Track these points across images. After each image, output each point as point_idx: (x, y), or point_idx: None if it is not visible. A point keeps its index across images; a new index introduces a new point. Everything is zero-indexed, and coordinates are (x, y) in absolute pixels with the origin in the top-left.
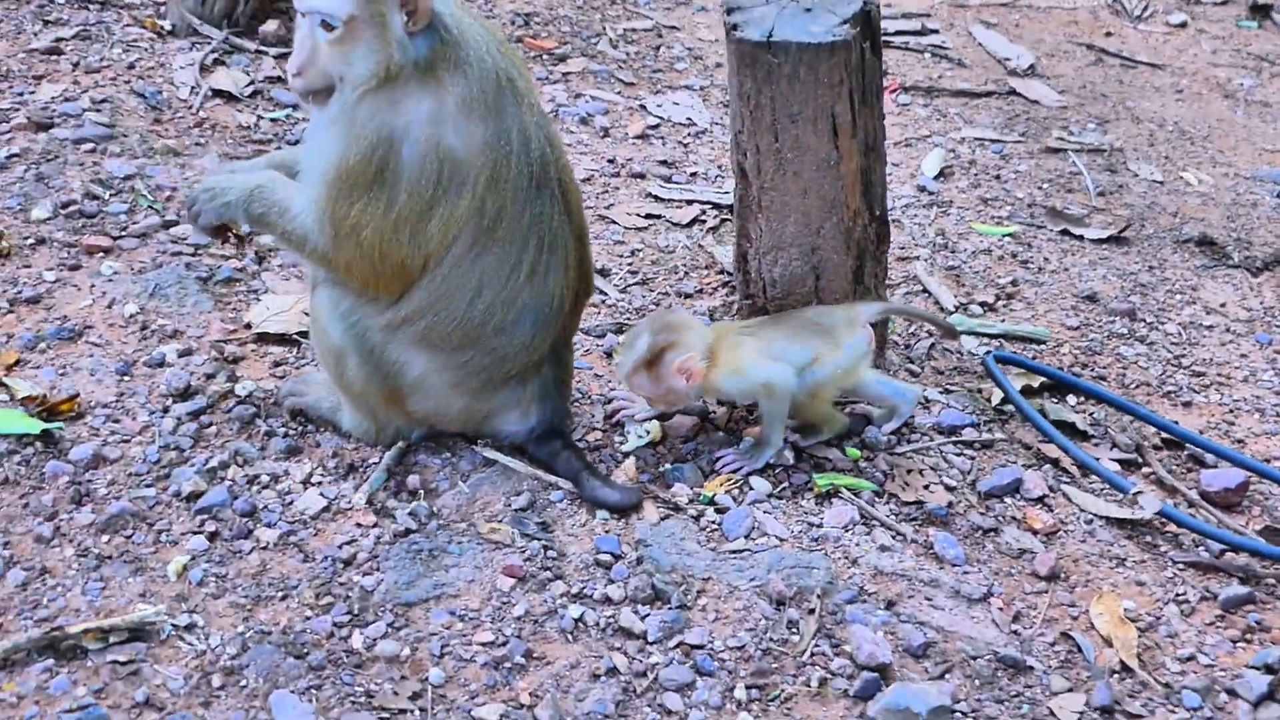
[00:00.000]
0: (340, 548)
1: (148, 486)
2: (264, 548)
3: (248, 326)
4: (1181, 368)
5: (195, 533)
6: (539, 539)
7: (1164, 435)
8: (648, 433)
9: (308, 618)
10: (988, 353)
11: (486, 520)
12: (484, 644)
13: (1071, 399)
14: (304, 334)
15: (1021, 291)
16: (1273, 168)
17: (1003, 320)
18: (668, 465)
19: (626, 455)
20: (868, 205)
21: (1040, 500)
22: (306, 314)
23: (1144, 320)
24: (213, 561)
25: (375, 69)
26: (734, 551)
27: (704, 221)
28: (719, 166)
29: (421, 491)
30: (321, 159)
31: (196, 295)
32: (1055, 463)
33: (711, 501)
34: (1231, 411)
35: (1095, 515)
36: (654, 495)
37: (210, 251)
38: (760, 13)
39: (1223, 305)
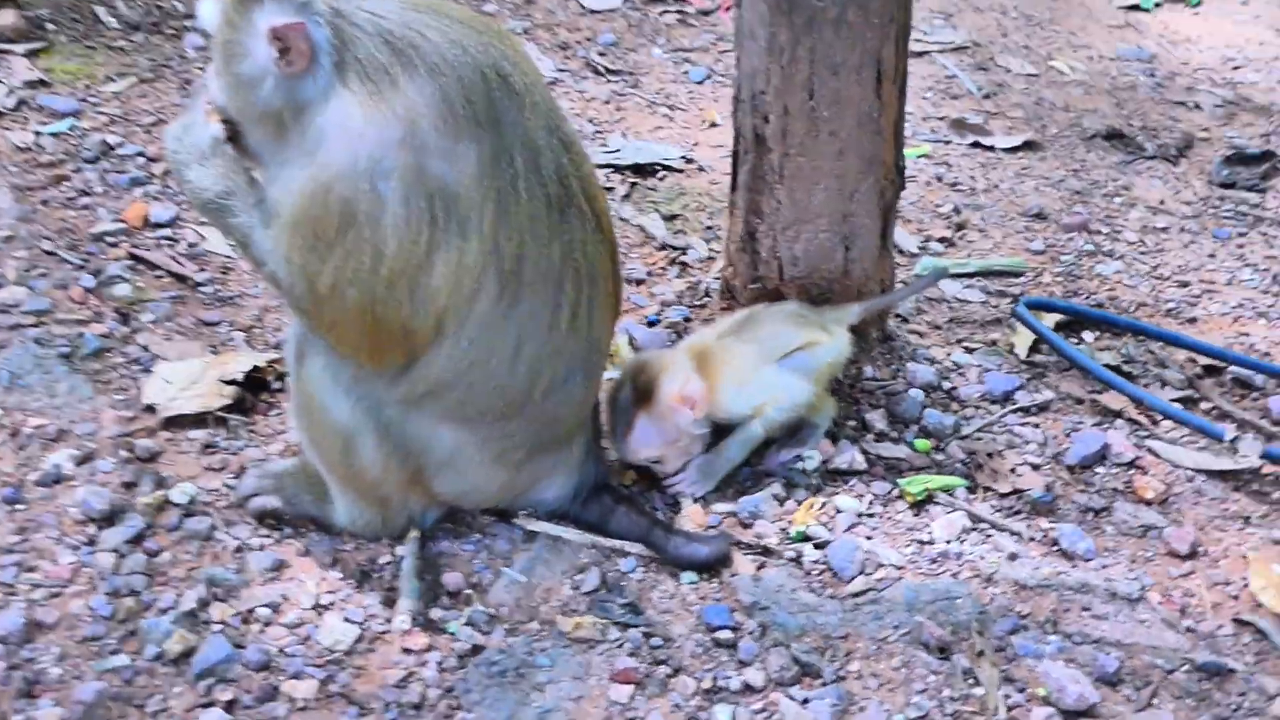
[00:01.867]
0: (400, 688)
1: (114, 654)
2: (303, 709)
3: (150, 410)
4: (1164, 279)
5: (205, 705)
6: (634, 624)
7: (1202, 363)
8: None
9: None
10: (1015, 301)
11: (559, 612)
12: None
13: (1088, 335)
14: (233, 408)
15: (969, 219)
16: (1127, 44)
17: (968, 256)
18: (732, 501)
19: (675, 498)
20: (897, 158)
21: (1133, 464)
22: (226, 381)
23: (1100, 231)
24: None
25: (261, 107)
26: (858, 595)
27: (611, 189)
28: (590, 121)
29: (467, 591)
30: (281, 192)
31: (67, 379)
32: (1118, 414)
33: (805, 537)
34: (1236, 320)
35: (1195, 470)
36: (735, 540)
37: (55, 317)
38: None
39: (1161, 202)
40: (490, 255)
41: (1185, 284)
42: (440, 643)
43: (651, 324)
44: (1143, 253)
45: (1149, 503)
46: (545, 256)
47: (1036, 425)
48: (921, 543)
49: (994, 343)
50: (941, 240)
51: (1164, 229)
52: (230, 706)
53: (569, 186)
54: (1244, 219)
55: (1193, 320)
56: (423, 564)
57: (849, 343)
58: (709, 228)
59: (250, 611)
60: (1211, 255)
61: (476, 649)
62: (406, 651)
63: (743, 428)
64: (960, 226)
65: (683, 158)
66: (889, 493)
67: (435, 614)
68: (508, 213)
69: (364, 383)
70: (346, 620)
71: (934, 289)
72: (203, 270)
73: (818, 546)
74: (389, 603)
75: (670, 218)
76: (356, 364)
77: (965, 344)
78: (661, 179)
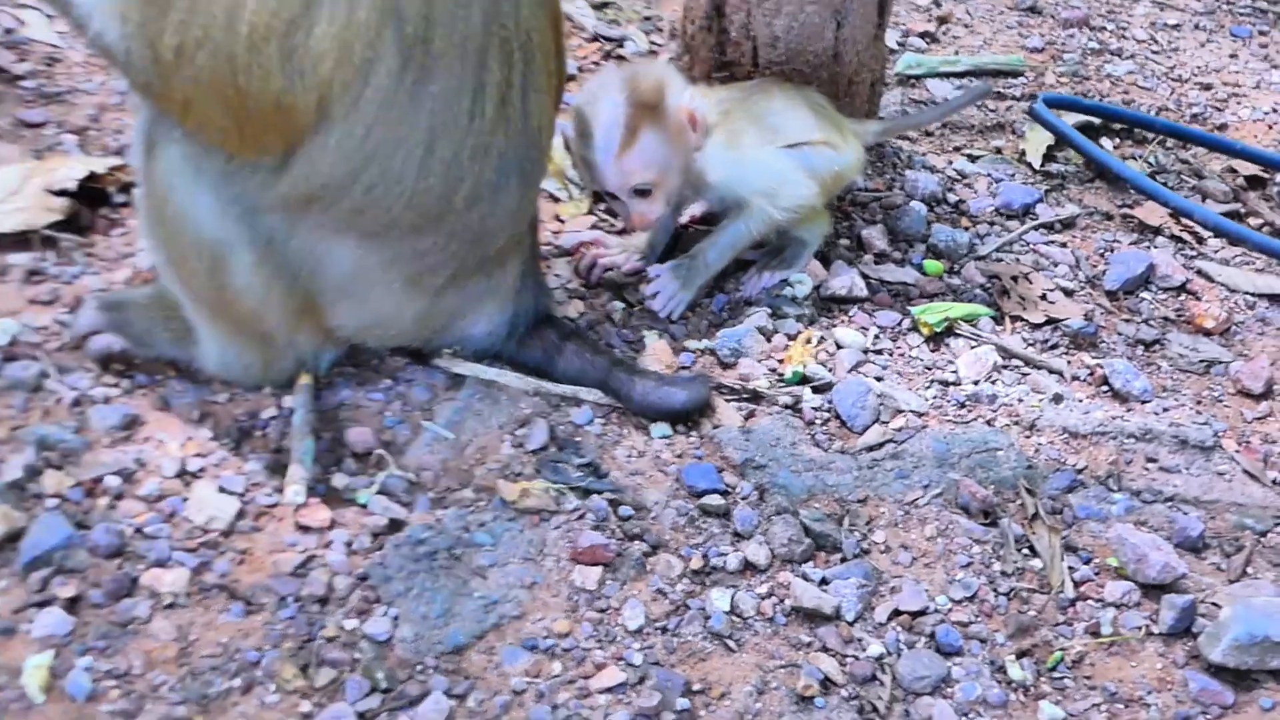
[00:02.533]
0: (298, 576)
1: None
2: (169, 605)
3: None
4: (1182, 81)
5: (40, 604)
6: (596, 489)
7: (1246, 172)
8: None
9: (308, 715)
10: (1033, 98)
11: (500, 476)
12: (609, 689)
13: (1106, 143)
14: (64, 225)
15: (952, 12)
16: None
17: (955, 53)
18: (707, 337)
19: (636, 330)
20: None
21: (1183, 289)
22: (55, 192)
23: (1104, 28)
24: (95, 651)
25: None
26: (874, 449)
27: None
28: None
29: (379, 452)
30: None
31: None
32: (1157, 231)
33: (802, 378)
34: (1271, 127)
35: (1256, 295)
36: (716, 382)
37: None
38: None
39: None
40: (388, 13)
41: (1208, 86)
42: (347, 518)
43: None
44: (1155, 52)
45: (1208, 333)
46: (462, 19)
47: (1064, 244)
48: (945, 383)
49: (999, 150)
50: (923, 35)
51: (1175, 26)
52: (74, 605)
53: None
54: (1264, 16)
55: (1222, 127)
56: (318, 419)
57: (863, 161)
58: (647, 18)
59: (96, 482)
60: (1233, 55)
61: (395, 525)
62: (303, 529)
63: (728, 221)
64: (943, 21)
65: None
66: (898, 324)
67: (338, 481)
68: None
69: (235, 180)
70: (222, 491)
71: (919, 89)
72: (22, 61)
73: (818, 390)
74: (277, 468)
75: (601, 5)
76: (224, 154)
77: (965, 152)
78: None
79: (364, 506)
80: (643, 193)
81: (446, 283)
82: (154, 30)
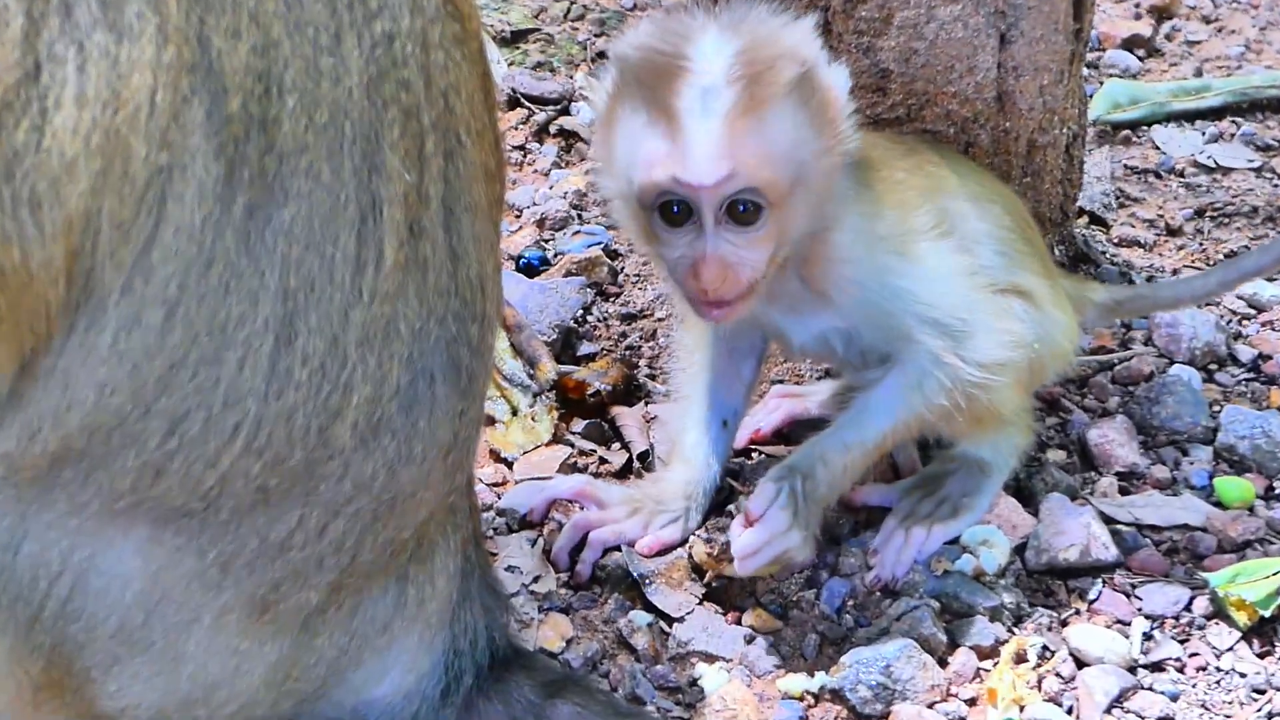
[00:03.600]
0: None
1: None
2: None
3: None
4: None
5: None
6: None
7: None
8: None
9: None
10: None
11: None
12: None
13: None
14: None
15: None
16: None
17: (1198, 70)
18: (822, 658)
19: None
20: None
21: None
22: None
23: None
24: None
25: None
26: None
27: None
28: None
29: None
30: None
31: None
32: None
33: None
34: None
35: None
36: None
37: None
38: None
39: None
40: (192, 73)
41: None
42: None
43: (533, 266)
44: None
45: None
46: (330, 77)
47: None
48: None
49: None
50: (1130, 45)
51: None
52: None
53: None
54: None
55: None
56: None
57: (1078, 338)
58: (602, 55)
59: None
60: None
61: None
62: None
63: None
64: (1163, 12)
65: None
66: (1187, 607)
67: None
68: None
69: None
70: None
71: (1140, 145)
72: None
73: None
74: None
75: (514, 41)
76: None
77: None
78: None
79: None
80: (747, 215)
81: (322, 605)
82: None
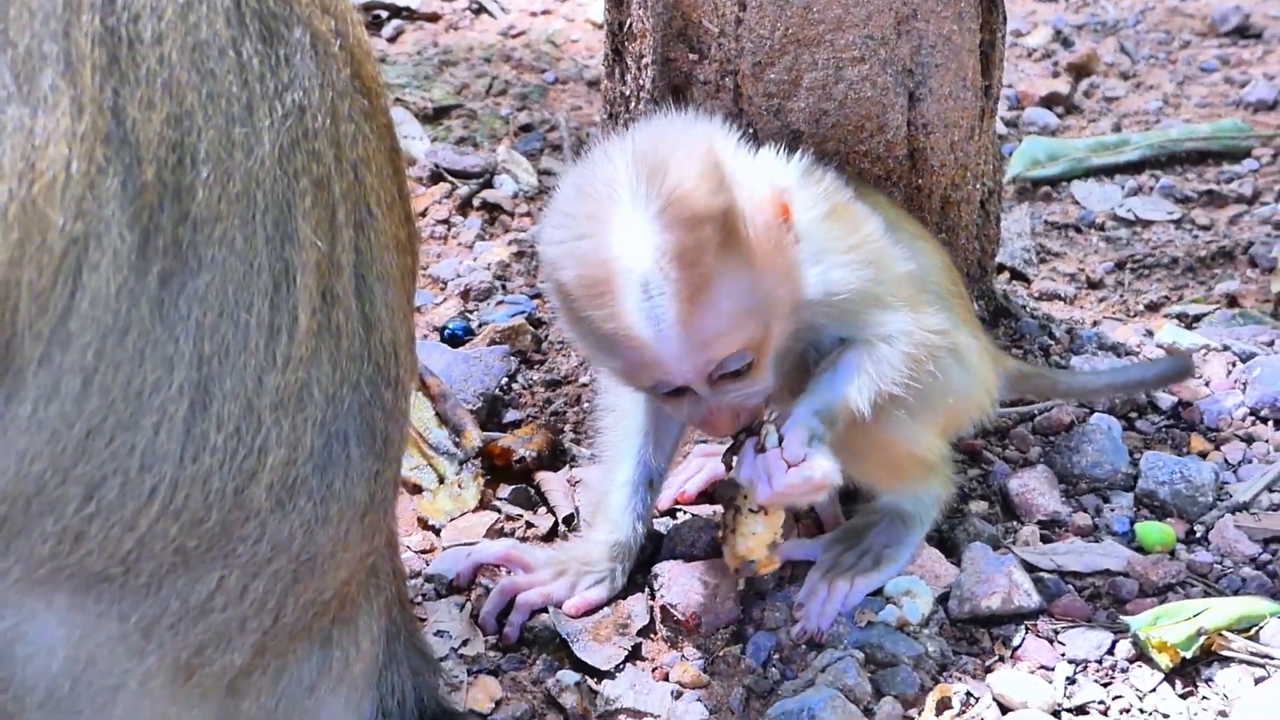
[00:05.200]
0: None
1: None
2: None
3: None
4: None
5: None
6: None
7: None
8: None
9: None
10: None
11: None
12: None
13: None
14: None
15: (1096, 53)
16: None
17: (1117, 125)
18: (749, 713)
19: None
20: None
21: None
22: None
23: None
24: None
25: None
26: None
27: None
28: None
29: None
30: None
31: None
32: None
33: None
34: None
35: None
36: None
37: None
38: None
39: None
40: (104, 144)
41: None
42: None
43: (457, 336)
44: None
45: None
46: (244, 148)
47: None
48: None
49: (1233, 300)
50: (1049, 102)
51: None
52: None
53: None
54: None
55: None
56: None
57: (997, 390)
58: (526, 128)
59: None
60: None
61: None
62: None
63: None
64: (1082, 70)
65: None
66: (1109, 650)
67: None
68: (139, 43)
69: None
70: None
71: (1060, 201)
72: None
73: None
74: None
75: (436, 116)
76: None
77: (1171, 309)
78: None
79: None
80: (739, 369)
81: (247, 667)
82: None
